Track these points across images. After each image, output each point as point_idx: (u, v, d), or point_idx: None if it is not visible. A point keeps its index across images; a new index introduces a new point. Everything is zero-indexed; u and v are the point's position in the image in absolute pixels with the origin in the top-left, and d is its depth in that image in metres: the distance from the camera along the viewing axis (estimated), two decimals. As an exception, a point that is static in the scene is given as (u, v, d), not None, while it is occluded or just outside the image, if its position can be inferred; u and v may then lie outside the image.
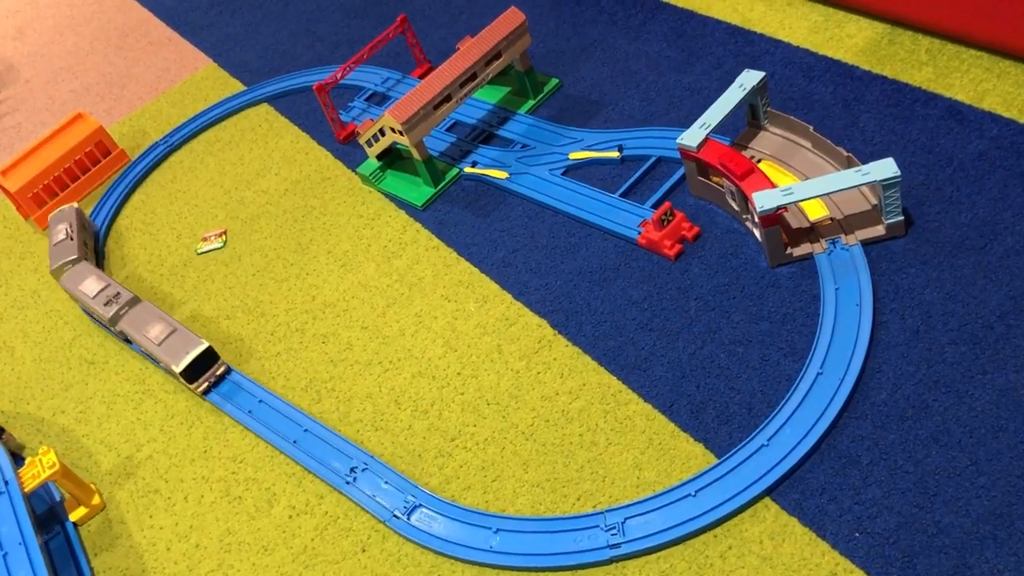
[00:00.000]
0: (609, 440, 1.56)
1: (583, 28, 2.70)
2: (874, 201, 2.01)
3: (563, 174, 2.34)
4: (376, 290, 2.10)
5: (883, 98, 2.06)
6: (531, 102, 2.72)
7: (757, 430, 1.52)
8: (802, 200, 1.94)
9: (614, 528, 1.45)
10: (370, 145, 2.71)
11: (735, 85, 2.25)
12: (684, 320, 1.81)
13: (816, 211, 2.09)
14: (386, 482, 1.61)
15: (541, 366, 1.73)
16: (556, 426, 1.61)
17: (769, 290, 1.82)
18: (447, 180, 2.59)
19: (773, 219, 1.95)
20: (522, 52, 2.69)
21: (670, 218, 2.20)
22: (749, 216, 2.10)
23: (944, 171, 1.87)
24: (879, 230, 2.04)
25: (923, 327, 1.56)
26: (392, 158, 2.74)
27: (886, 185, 1.87)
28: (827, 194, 1.85)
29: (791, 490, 1.41)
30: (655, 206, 2.28)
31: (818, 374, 1.59)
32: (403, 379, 1.81)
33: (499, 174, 2.54)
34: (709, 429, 1.54)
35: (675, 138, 2.12)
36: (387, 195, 2.63)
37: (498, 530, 1.49)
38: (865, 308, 1.68)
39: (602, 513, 1.47)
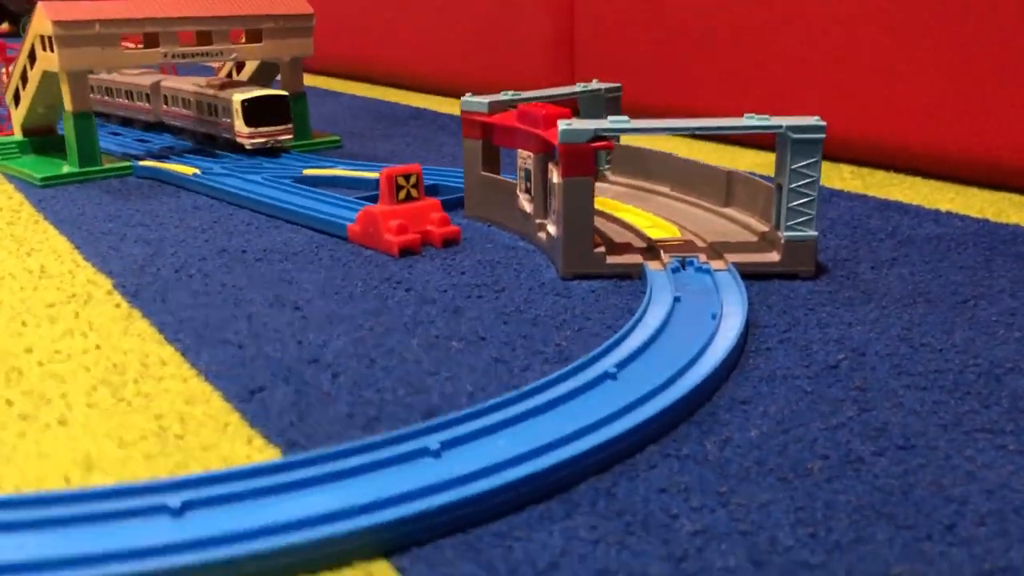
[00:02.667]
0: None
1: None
2: (764, 229, 1.25)
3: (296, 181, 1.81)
4: None
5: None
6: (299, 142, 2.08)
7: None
8: (646, 131, 1.16)
9: None
10: (17, 101, 1.91)
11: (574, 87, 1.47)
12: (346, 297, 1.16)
13: (663, 231, 1.29)
14: None
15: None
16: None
17: (549, 296, 1.19)
18: (104, 168, 1.80)
19: (583, 157, 1.12)
20: (295, 59, 2.03)
21: (410, 193, 1.33)
22: (550, 214, 1.27)
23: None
24: (771, 256, 1.17)
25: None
26: (47, 143, 1.94)
27: (799, 145, 1.11)
28: (705, 132, 1.30)
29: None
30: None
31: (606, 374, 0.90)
32: None
33: (186, 169, 1.77)
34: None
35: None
36: (10, 176, 1.84)
37: None
38: (729, 322, 1.03)
39: None
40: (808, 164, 1.16)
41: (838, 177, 1.83)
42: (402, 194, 1.36)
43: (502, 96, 1.46)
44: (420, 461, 0.72)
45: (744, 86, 2.02)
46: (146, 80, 2.26)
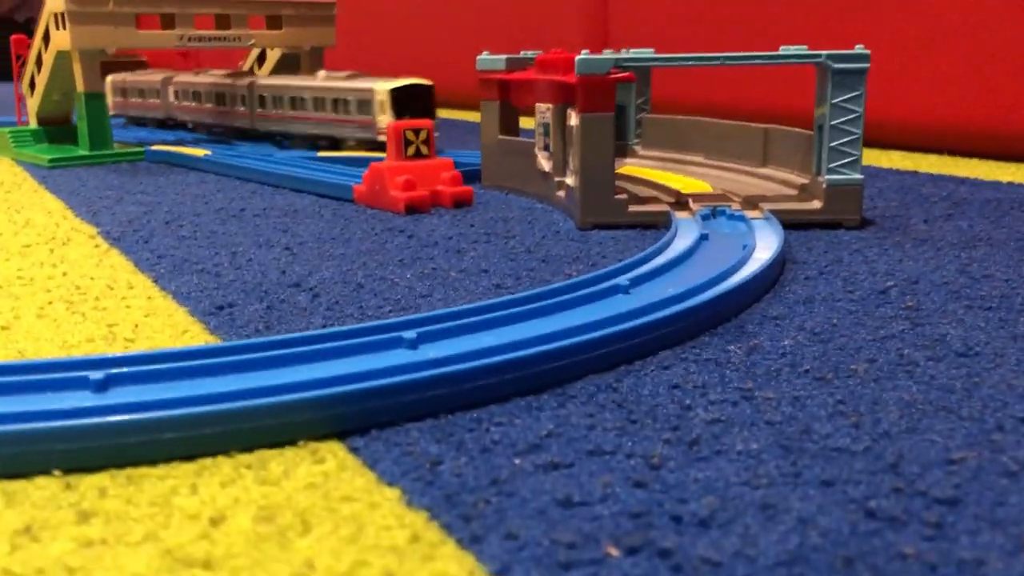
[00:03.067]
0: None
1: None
2: (804, 181, 1.13)
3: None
4: None
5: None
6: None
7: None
8: (671, 62, 1.06)
9: None
10: (32, 88, 1.86)
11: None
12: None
13: (694, 186, 1.16)
14: None
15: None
16: None
17: (563, 242, 1.08)
18: (115, 152, 1.74)
19: (602, 90, 1.02)
20: (315, 49, 1.96)
21: (420, 150, 1.24)
22: (568, 169, 1.16)
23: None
24: (812, 204, 1.06)
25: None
26: (63, 133, 1.88)
27: (841, 76, 1.00)
28: (738, 62, 1.12)
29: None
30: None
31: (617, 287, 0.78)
32: None
33: (196, 151, 1.71)
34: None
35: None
36: (21, 162, 1.79)
37: None
38: (761, 254, 0.90)
39: None
40: (851, 98, 1.05)
41: (887, 159, 1.71)
42: (411, 150, 1.27)
43: (521, 54, 1.38)
44: (393, 352, 0.62)
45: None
46: (243, 80, 2.02)
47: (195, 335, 0.74)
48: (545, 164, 1.27)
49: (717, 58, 1.07)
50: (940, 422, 0.55)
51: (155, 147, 1.81)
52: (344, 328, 0.64)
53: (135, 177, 1.60)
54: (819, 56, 1.05)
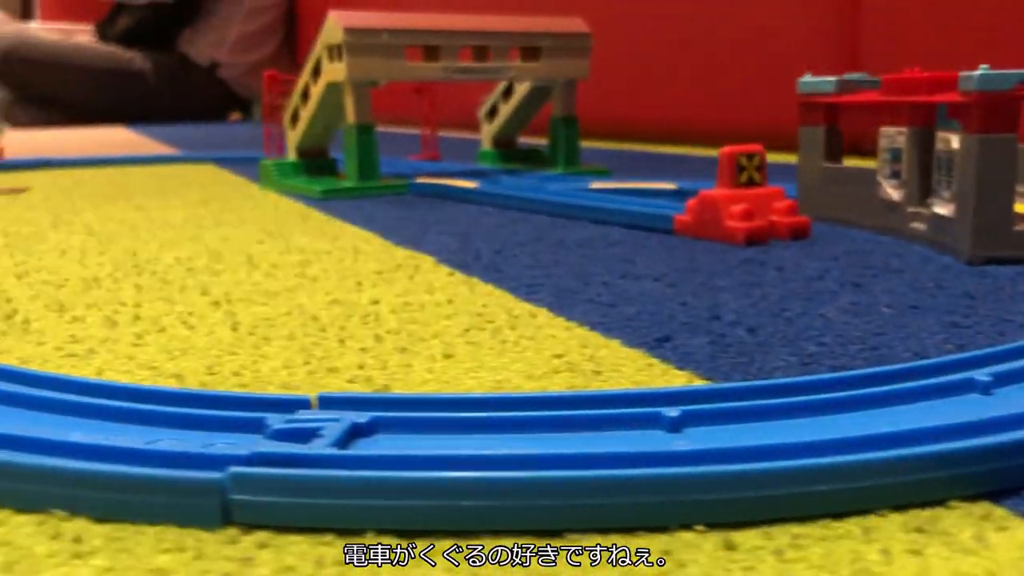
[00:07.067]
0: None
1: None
2: None
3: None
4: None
5: None
6: (559, 171, 1.93)
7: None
8: None
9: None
10: (294, 122, 1.88)
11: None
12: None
13: None
14: None
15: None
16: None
17: (964, 276, 0.97)
18: (381, 184, 1.74)
19: (1005, 108, 0.92)
20: (569, 82, 1.92)
21: (753, 177, 1.16)
22: (936, 195, 1.06)
23: None
24: None
25: None
26: (318, 165, 1.90)
27: None
28: None
29: None
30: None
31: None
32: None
33: (465, 183, 1.68)
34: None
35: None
36: (287, 192, 1.81)
37: None
38: None
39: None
40: None
41: None
42: (744, 176, 1.19)
43: (848, 77, 1.28)
44: (967, 396, 0.53)
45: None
46: None
47: (660, 368, 0.67)
48: (893, 193, 1.17)
49: None
50: None
51: (419, 180, 1.81)
52: (900, 368, 0.57)
53: (415, 209, 1.57)
54: None
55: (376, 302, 0.90)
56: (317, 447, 0.46)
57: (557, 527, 0.43)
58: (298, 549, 0.42)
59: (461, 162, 2.30)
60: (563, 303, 0.88)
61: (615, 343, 0.74)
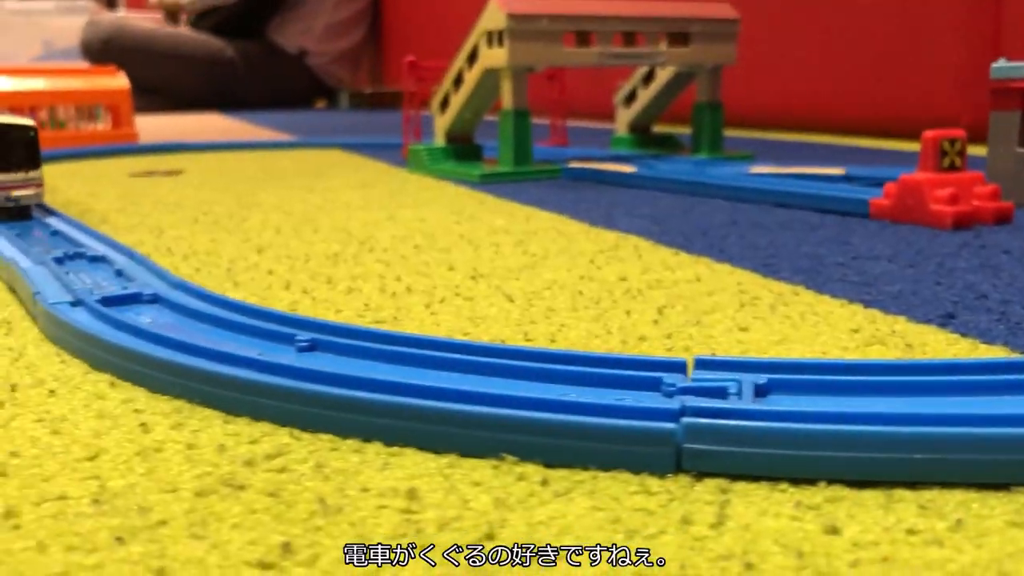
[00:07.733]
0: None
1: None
2: None
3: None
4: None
5: None
6: (703, 155, 1.95)
7: None
8: None
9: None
10: (443, 108, 1.91)
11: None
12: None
13: None
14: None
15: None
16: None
17: None
18: (535, 169, 1.78)
19: None
20: (716, 67, 1.93)
21: (955, 162, 1.16)
22: None
23: None
24: None
25: None
26: (464, 151, 1.93)
27: None
28: None
29: None
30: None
31: None
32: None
33: (624, 168, 1.71)
34: None
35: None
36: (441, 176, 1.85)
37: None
38: None
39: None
40: None
41: None
42: (946, 161, 1.19)
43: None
44: None
45: None
46: None
47: (967, 343, 0.69)
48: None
49: None
50: None
51: (572, 164, 1.84)
52: None
53: (579, 192, 1.60)
54: None
55: (624, 278, 0.93)
56: (742, 403, 0.49)
57: (1005, 480, 0.45)
58: (760, 495, 0.45)
59: (589, 148, 2.32)
60: (814, 281, 0.90)
61: (902, 319, 0.76)
